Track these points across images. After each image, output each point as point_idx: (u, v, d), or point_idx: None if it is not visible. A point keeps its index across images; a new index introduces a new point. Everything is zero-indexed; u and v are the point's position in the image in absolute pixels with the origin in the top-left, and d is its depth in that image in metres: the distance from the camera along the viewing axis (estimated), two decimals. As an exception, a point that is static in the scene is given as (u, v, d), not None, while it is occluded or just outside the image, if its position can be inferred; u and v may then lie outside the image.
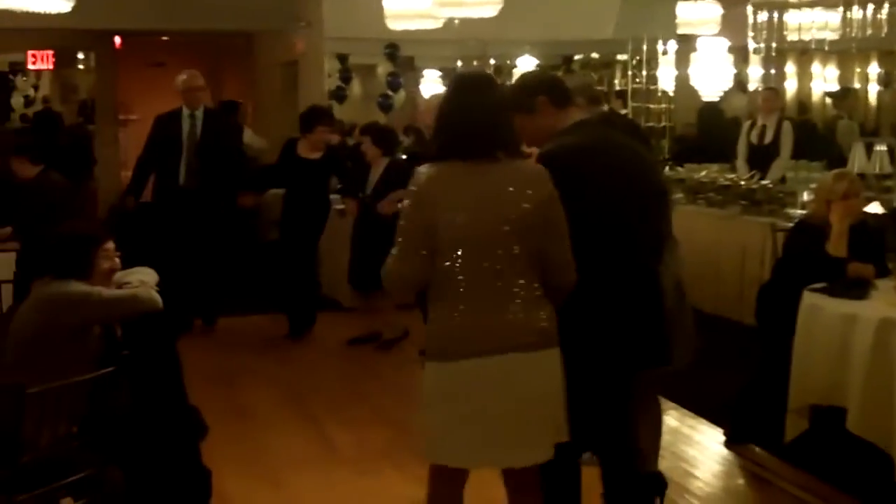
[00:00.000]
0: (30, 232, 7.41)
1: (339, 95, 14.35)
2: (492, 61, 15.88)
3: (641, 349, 4.14)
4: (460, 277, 3.63)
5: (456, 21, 10.48)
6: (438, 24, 10.81)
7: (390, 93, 14.79)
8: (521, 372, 3.65)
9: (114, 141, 15.33)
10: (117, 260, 4.66)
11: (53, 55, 17.73)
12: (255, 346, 8.81)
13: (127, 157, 15.55)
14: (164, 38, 17.66)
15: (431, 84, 17.26)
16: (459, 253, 3.62)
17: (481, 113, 3.71)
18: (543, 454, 3.75)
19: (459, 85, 3.91)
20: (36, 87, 21.01)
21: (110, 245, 4.62)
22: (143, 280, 4.69)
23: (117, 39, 15.34)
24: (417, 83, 17.12)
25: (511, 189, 3.67)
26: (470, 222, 3.61)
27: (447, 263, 3.64)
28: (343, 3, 11.49)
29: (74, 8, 9.55)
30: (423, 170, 3.71)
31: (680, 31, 11.75)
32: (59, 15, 9.89)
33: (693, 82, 11.90)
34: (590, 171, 4.04)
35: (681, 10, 11.70)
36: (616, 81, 15.82)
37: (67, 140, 15.10)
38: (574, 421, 3.81)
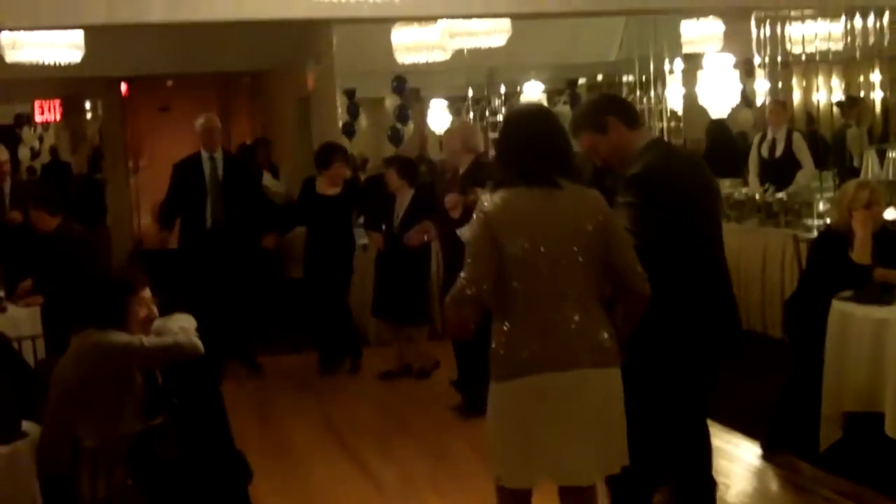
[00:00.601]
0: (53, 284, 7.46)
1: (348, 130, 14.39)
2: (502, 88, 15.98)
3: (724, 341, 4.31)
4: (525, 299, 3.77)
5: (465, 51, 10.55)
6: (447, 55, 10.89)
7: (399, 125, 14.87)
8: (582, 389, 3.76)
9: (125, 188, 15.37)
10: (154, 308, 4.70)
11: (61, 104, 17.83)
12: (289, 384, 8.84)
13: (139, 203, 15.63)
14: (169, 82, 17.73)
15: (439, 114, 17.36)
16: (525, 275, 3.76)
17: (542, 142, 3.90)
18: (600, 473, 3.87)
19: (519, 116, 4.13)
20: (41, 139, 21.09)
21: (146, 293, 4.66)
22: (183, 327, 4.71)
23: (124, 86, 15.42)
24: (424, 114, 17.22)
25: (573, 213, 3.83)
26: (535, 246, 3.76)
27: (513, 286, 3.76)
28: (352, 38, 11.55)
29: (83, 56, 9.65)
30: (489, 196, 3.88)
31: (685, 49, 11.81)
32: (64, 65, 9.99)
33: (701, 100, 11.95)
34: (679, 186, 4.19)
35: (685, 29, 11.77)
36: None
37: (79, 189, 15.22)
38: (652, 446, 3.97)
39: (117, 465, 4.07)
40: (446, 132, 8.92)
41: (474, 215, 3.87)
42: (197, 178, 8.90)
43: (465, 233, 7.62)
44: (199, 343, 4.57)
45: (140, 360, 4.43)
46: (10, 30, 8.94)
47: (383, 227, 8.77)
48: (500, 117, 16.72)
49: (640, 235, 3.97)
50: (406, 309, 8.67)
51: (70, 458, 4.27)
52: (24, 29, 8.77)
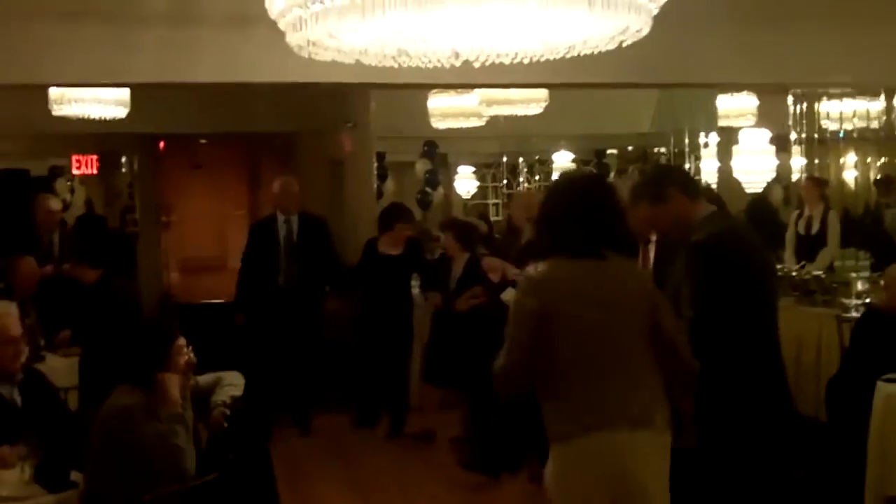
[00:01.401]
0: (93, 336, 7.49)
1: (377, 192, 14.47)
2: (536, 157, 16.08)
3: (777, 424, 4.32)
4: (573, 370, 3.75)
5: (502, 118, 10.64)
6: (482, 122, 10.98)
7: (429, 189, 14.95)
8: (635, 448, 3.76)
9: (156, 243, 15.46)
10: (192, 355, 4.72)
11: (97, 160, 17.96)
12: (322, 444, 8.81)
13: (167, 258, 15.70)
14: (203, 140, 17.89)
15: (465, 179, 17.47)
16: (571, 346, 3.74)
17: (591, 212, 3.87)
18: None
19: (570, 185, 4.14)
20: (72, 191, 21.23)
21: (182, 341, 4.69)
22: (232, 395, 4.77)
23: (161, 143, 15.57)
24: (451, 179, 17.32)
25: (621, 284, 3.83)
26: (582, 317, 3.74)
27: (560, 356, 3.75)
28: (388, 103, 11.65)
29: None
30: (534, 268, 3.85)
31: (720, 123, 11.87)
32: (105, 120, 10.11)
33: (736, 174, 11.99)
34: (742, 259, 4.20)
35: (720, 103, 11.85)
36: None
37: (112, 243, 15.30)
38: None
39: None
40: (514, 199, 9.08)
41: (518, 283, 3.87)
42: (272, 239, 9.01)
43: (509, 297, 7.68)
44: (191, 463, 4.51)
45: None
46: (59, 86, 9.08)
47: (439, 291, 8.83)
48: (527, 185, 16.84)
49: (700, 305, 3.96)
50: (448, 372, 8.67)
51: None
52: (74, 85, 8.90)
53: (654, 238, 5.74)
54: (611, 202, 3.97)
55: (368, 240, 9.33)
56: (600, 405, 3.73)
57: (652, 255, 5.84)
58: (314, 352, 9.12)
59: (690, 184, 4.49)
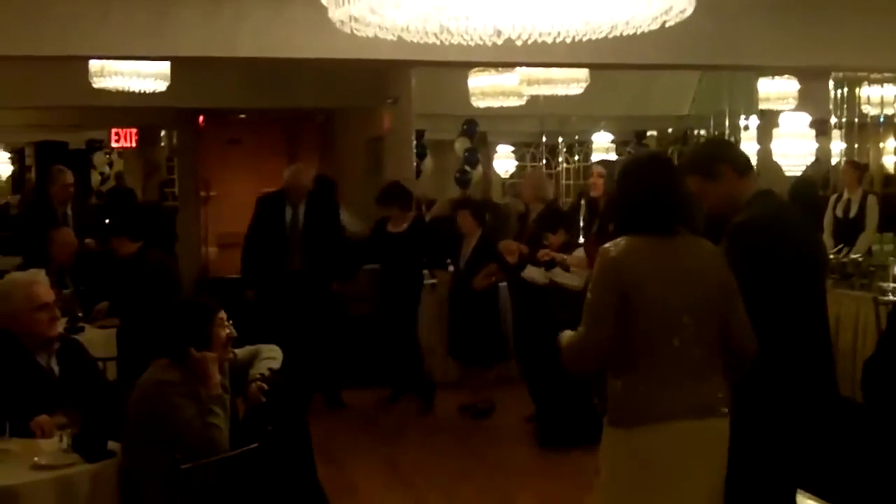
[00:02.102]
0: (131, 308, 7.55)
1: (416, 171, 14.47)
2: (576, 137, 16.02)
3: (822, 407, 4.34)
4: (647, 348, 3.74)
5: (542, 98, 10.62)
6: (522, 101, 10.96)
7: (468, 168, 14.92)
8: (699, 438, 3.76)
9: (195, 218, 15.50)
10: (232, 329, 4.75)
11: (137, 133, 18.04)
12: (355, 421, 8.89)
13: (207, 232, 15.76)
14: (242, 115, 17.91)
15: (504, 159, 17.43)
16: (647, 324, 3.73)
17: (663, 190, 3.87)
18: None
19: (640, 164, 4.09)
20: (111, 164, 21.36)
21: (223, 314, 4.71)
22: (270, 367, 4.82)
23: (201, 118, 15.60)
24: (490, 158, 17.29)
25: (696, 263, 3.83)
26: (659, 295, 3.74)
27: (637, 333, 3.74)
28: (428, 81, 11.65)
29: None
30: (610, 245, 3.84)
31: (760, 106, 11.79)
32: (144, 94, 10.15)
33: (776, 157, 11.90)
34: (784, 242, 4.15)
35: (761, 86, 11.77)
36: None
37: (150, 216, 15.40)
38: None
39: (214, 492, 4.09)
40: (523, 179, 9.08)
41: (599, 257, 3.83)
42: (277, 220, 9.01)
43: (533, 276, 7.78)
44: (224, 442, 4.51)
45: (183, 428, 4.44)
46: (100, 59, 9.13)
47: (450, 267, 8.89)
48: (566, 165, 16.79)
49: (740, 288, 3.93)
50: (473, 350, 8.77)
51: (151, 485, 4.31)
52: (118, 58, 8.95)
53: None
54: (678, 179, 3.99)
55: (379, 219, 9.41)
56: (670, 391, 3.72)
57: None
58: (334, 331, 9.16)
59: (742, 160, 4.41)
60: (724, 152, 4.43)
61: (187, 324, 4.62)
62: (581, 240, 7.66)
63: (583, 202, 7.85)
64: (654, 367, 3.74)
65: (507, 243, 8.16)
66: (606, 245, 3.86)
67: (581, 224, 7.72)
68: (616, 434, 3.81)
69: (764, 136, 13.16)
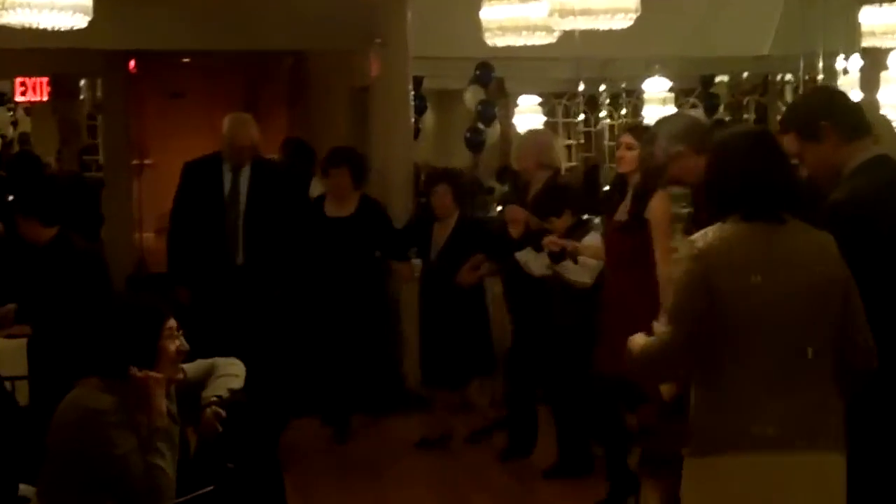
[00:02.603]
0: (46, 311, 7.57)
1: (414, 130, 14.46)
2: (622, 85, 16.02)
3: None
4: (743, 356, 3.86)
5: (578, 34, 10.59)
6: (552, 38, 10.93)
7: (481, 126, 14.93)
8: (804, 474, 3.86)
9: (127, 194, 15.57)
10: (183, 339, 4.76)
11: (49, 83, 18.06)
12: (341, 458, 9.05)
13: (142, 212, 15.82)
14: (186, 59, 17.96)
15: (528, 115, 17.44)
16: (747, 327, 3.86)
17: (766, 171, 3.99)
18: None
19: (737, 141, 4.17)
20: (14, 124, 21.36)
21: (173, 322, 4.73)
22: (230, 388, 4.86)
23: (132, 63, 15.65)
24: (510, 113, 17.29)
25: (804, 255, 3.95)
26: (762, 294, 3.88)
27: (729, 339, 3.86)
28: (429, 13, 11.65)
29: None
30: (698, 236, 3.99)
31: (864, 43, 11.76)
32: (56, 32, 10.07)
33: (883, 108, 11.88)
34: (888, 223, 4.25)
35: (864, 17, 11.71)
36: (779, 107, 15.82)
37: (68, 192, 15.41)
38: None
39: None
40: (517, 142, 9.35)
41: (688, 250, 3.97)
42: (213, 194, 8.75)
43: (527, 261, 7.88)
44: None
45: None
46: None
47: (414, 259, 9.15)
48: (609, 121, 16.81)
49: None
50: (448, 366, 9.02)
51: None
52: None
53: None
54: (784, 157, 4.09)
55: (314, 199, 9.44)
56: (766, 412, 3.83)
57: None
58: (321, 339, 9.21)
59: (851, 119, 4.48)
60: (829, 108, 4.49)
61: (128, 334, 4.62)
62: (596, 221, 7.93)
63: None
64: (747, 382, 3.85)
65: (513, 209, 8.27)
66: (693, 236, 4.00)
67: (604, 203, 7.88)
68: (697, 466, 3.93)
69: (868, 82, 13.14)
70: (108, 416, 4.45)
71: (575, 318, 7.57)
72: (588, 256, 7.53)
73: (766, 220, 3.95)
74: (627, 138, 7.35)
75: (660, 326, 3.97)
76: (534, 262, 7.97)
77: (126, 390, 4.53)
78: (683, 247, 4.06)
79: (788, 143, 4.38)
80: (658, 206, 6.61)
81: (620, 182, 7.37)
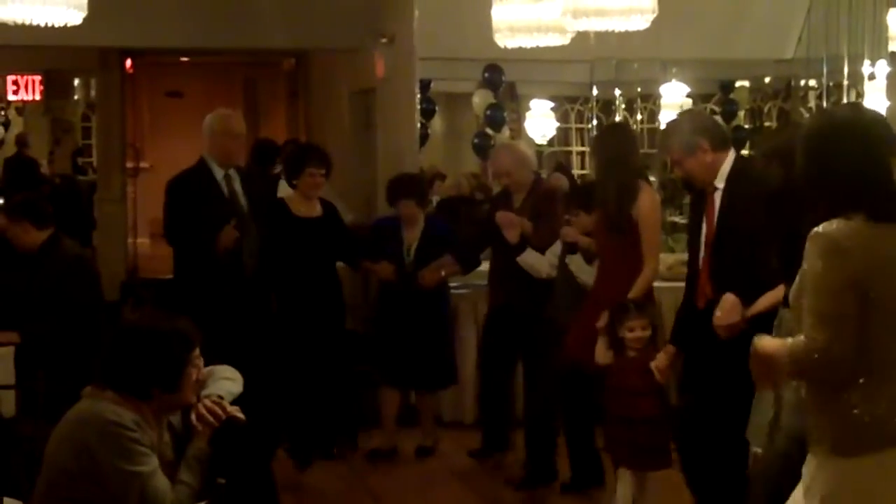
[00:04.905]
0: (35, 318, 7.58)
1: (420, 134, 14.46)
2: (638, 89, 16.02)
3: None
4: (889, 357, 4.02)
5: (592, 36, 10.60)
6: (565, 40, 10.94)
7: (490, 131, 14.94)
8: None
9: (121, 198, 15.56)
10: (202, 368, 4.85)
11: (42, 82, 18.09)
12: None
13: (136, 217, 15.82)
14: (184, 58, 17.99)
15: (540, 120, 17.46)
16: (890, 327, 4.00)
17: (883, 162, 4.11)
18: None
19: (841, 129, 4.20)
20: (6, 124, 21.41)
21: (198, 350, 4.80)
22: (230, 391, 4.89)
23: (129, 62, 15.65)
24: (521, 118, 17.31)
25: None
26: None
27: (874, 340, 3.98)
28: (437, 13, 11.66)
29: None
30: (831, 231, 3.99)
31: (893, 47, 11.78)
32: (49, 29, 10.07)
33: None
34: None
35: (893, 20, 11.73)
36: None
37: (60, 195, 15.45)
38: None
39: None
40: (494, 156, 9.63)
41: (819, 247, 4.00)
42: (216, 201, 8.45)
43: (532, 263, 8.03)
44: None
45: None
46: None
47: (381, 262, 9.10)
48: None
49: None
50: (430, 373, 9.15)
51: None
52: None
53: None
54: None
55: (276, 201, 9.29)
56: None
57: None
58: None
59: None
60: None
61: (160, 358, 4.65)
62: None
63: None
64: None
65: (505, 215, 8.37)
66: (822, 230, 4.00)
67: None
68: (838, 465, 4.01)
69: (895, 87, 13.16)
70: (130, 432, 4.49)
71: (567, 313, 7.78)
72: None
73: (887, 220, 4.03)
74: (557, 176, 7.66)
75: (810, 331, 3.97)
76: (539, 262, 8.16)
77: (142, 409, 4.59)
78: (811, 242, 4.04)
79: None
80: (645, 202, 7.26)
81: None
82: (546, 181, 9.55)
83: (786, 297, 5.06)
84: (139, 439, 4.50)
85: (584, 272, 7.75)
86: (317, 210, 8.98)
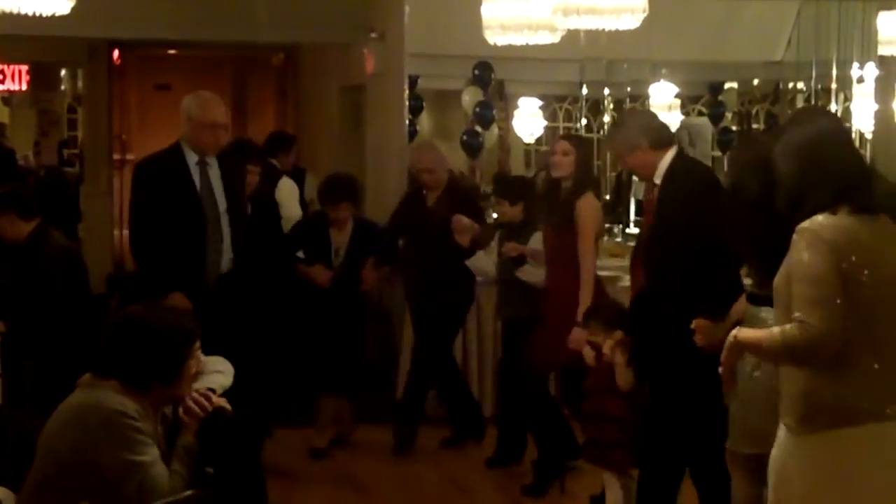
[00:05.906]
0: (21, 308, 7.61)
1: (408, 131, 14.45)
2: (628, 90, 16.04)
3: None
4: (871, 339, 4.27)
5: (582, 34, 10.63)
6: (555, 38, 10.96)
7: (479, 129, 14.93)
8: None
9: (107, 190, 15.53)
10: (200, 361, 4.87)
11: (28, 72, 18.05)
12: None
13: (123, 209, 15.80)
14: (172, 51, 17.96)
15: (528, 119, 17.46)
16: (872, 312, 4.25)
17: (860, 158, 4.59)
18: None
19: (821, 126, 4.64)
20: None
21: (198, 344, 4.83)
22: (221, 384, 4.92)
23: (116, 53, 15.63)
24: (509, 116, 17.29)
25: None
26: (885, 279, 4.27)
27: (854, 324, 4.22)
28: (427, 9, 11.67)
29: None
30: (814, 224, 4.27)
31: (881, 50, 11.81)
32: (37, 19, 10.04)
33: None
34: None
35: (882, 24, 11.75)
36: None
37: (42, 186, 15.44)
38: None
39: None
40: (417, 153, 9.96)
41: (805, 240, 4.23)
42: (185, 191, 7.86)
43: (482, 266, 8.63)
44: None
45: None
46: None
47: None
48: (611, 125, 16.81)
49: None
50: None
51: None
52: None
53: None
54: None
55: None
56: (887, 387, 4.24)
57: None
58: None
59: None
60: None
61: (162, 352, 4.68)
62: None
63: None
64: (871, 361, 4.24)
65: (460, 218, 8.63)
66: (808, 225, 4.25)
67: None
68: (813, 439, 4.24)
69: (884, 91, 13.20)
70: (133, 421, 4.52)
71: (526, 312, 8.07)
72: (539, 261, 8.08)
73: (868, 213, 4.29)
74: (563, 145, 8.03)
75: (800, 315, 4.18)
76: (489, 265, 8.52)
77: (143, 400, 4.62)
78: (798, 236, 4.28)
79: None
80: (585, 209, 7.62)
81: (555, 186, 7.95)
82: (463, 180, 9.72)
83: (751, 294, 5.39)
84: (142, 429, 4.53)
85: (535, 275, 8.05)
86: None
